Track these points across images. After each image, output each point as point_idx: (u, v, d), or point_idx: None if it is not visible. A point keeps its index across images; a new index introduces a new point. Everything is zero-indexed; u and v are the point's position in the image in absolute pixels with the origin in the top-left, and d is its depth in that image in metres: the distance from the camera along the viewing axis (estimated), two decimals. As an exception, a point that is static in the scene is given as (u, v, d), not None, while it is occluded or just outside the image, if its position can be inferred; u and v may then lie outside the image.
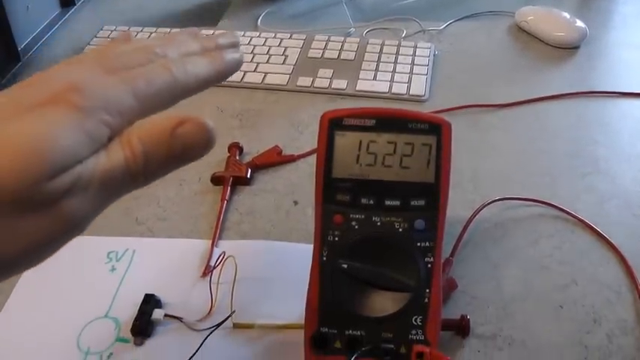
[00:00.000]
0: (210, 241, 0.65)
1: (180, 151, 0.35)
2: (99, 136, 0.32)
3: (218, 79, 0.42)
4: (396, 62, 0.93)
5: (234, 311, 0.57)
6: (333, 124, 0.52)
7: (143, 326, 0.56)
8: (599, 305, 0.58)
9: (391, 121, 0.52)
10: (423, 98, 0.86)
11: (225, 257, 0.60)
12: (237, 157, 0.76)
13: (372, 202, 0.51)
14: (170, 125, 0.35)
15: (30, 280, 0.62)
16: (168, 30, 1.02)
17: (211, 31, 1.01)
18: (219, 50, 0.43)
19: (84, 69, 0.35)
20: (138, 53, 0.38)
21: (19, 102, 0.32)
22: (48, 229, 0.31)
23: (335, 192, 0.51)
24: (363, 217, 0.51)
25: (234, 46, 0.46)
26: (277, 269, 0.62)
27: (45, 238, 0.31)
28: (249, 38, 1.00)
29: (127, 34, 0.44)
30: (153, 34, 1.02)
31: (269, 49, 0.97)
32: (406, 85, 0.88)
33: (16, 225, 0.30)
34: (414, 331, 0.49)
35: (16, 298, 0.60)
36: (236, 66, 0.44)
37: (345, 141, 0.52)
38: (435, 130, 0.51)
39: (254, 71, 0.92)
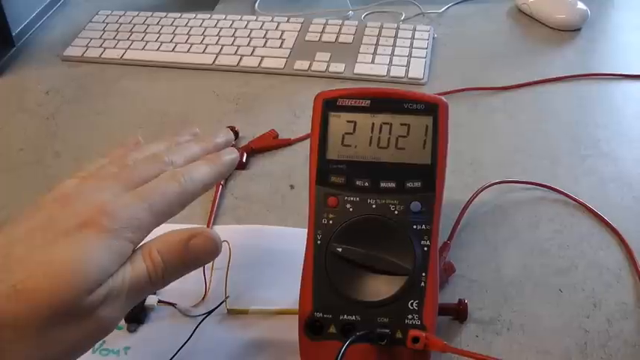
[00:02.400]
0: (205, 226, 0.63)
1: (192, 259, 0.42)
2: (125, 252, 0.39)
3: (219, 180, 0.49)
4: (394, 45, 0.92)
5: (228, 297, 0.56)
6: (328, 105, 0.51)
7: (136, 312, 0.55)
8: (599, 289, 0.57)
9: (386, 102, 0.51)
10: (421, 81, 0.85)
11: (219, 242, 0.59)
12: (233, 142, 0.75)
13: (367, 184, 0.50)
14: (184, 238, 0.42)
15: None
16: (164, 14, 1.01)
17: (208, 15, 1.00)
18: (217, 152, 0.50)
19: (107, 188, 0.42)
20: (149, 164, 0.45)
21: (56, 226, 0.38)
22: (86, 334, 0.38)
23: (329, 174, 0.50)
24: (357, 199, 0.50)
25: (229, 142, 0.54)
26: (272, 254, 0.61)
27: (83, 341, 0.38)
28: (245, 22, 0.98)
29: (136, 139, 0.51)
30: (148, 18, 1.01)
31: (266, 33, 0.96)
32: (405, 68, 0.87)
33: (61, 333, 0.36)
34: (410, 316, 0.48)
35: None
36: (233, 166, 0.51)
37: (339, 122, 0.51)
38: (432, 110, 0.50)
39: (250, 55, 0.91)
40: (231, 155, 0.51)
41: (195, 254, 0.42)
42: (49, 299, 0.35)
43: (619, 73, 0.86)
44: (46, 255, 0.37)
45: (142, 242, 0.42)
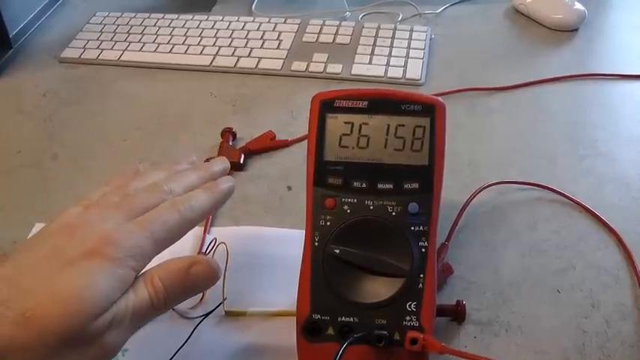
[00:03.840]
0: (203, 228, 0.63)
1: (192, 286, 0.45)
2: (128, 280, 0.41)
3: (216, 207, 0.51)
4: (391, 46, 0.92)
5: (225, 299, 0.56)
6: (325, 106, 0.51)
7: (134, 314, 0.55)
8: (597, 289, 0.57)
9: (384, 103, 0.51)
10: (419, 82, 0.85)
11: (217, 244, 0.59)
12: (231, 143, 0.75)
13: (364, 185, 0.50)
14: (184, 266, 0.44)
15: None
16: (161, 16, 1.01)
17: (205, 17, 1.00)
18: (214, 180, 0.52)
19: (110, 217, 0.43)
20: (150, 193, 0.47)
21: (62, 255, 0.40)
22: (91, 358, 0.39)
23: (327, 175, 0.50)
24: (355, 200, 0.50)
25: (226, 171, 0.56)
26: (270, 256, 0.61)
27: None
28: (243, 23, 0.98)
29: (136, 168, 0.53)
30: (145, 20, 1.00)
31: (263, 34, 0.96)
32: (402, 69, 0.87)
33: (68, 358, 0.38)
34: (408, 318, 0.48)
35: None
36: (230, 194, 0.52)
37: (336, 123, 0.51)
38: (429, 111, 0.50)
39: (248, 56, 0.91)
40: (228, 184, 0.52)
41: (195, 281, 0.45)
42: (57, 326, 0.37)
43: (617, 73, 0.86)
44: (54, 284, 0.38)
45: (144, 269, 0.44)
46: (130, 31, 0.98)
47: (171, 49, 0.93)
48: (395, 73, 0.86)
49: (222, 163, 0.56)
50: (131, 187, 0.48)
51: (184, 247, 0.62)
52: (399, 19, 1.01)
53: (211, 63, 0.90)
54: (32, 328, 0.37)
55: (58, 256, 0.40)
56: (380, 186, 0.50)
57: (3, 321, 0.36)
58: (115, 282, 0.40)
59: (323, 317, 0.48)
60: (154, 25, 0.99)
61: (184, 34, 0.97)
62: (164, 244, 0.44)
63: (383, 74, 0.86)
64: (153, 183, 0.49)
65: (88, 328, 0.38)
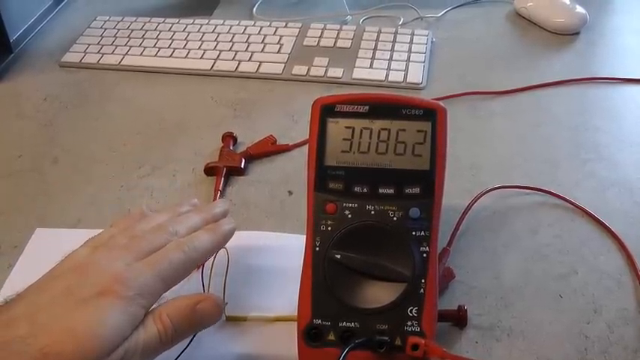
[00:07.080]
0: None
1: (198, 321, 0.48)
2: (138, 317, 0.44)
3: (218, 248, 0.53)
4: (392, 50, 0.91)
5: (226, 303, 0.55)
6: (326, 111, 0.51)
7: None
8: (599, 294, 0.57)
9: (385, 107, 0.51)
10: (420, 86, 0.85)
11: (217, 249, 0.59)
12: (231, 148, 0.74)
13: (365, 190, 0.50)
14: (191, 303, 0.47)
15: (23, 274, 0.60)
16: (162, 20, 1.01)
17: (206, 20, 1.00)
18: (216, 222, 0.54)
19: (119, 257, 0.46)
20: (156, 234, 0.50)
21: (76, 294, 0.42)
22: None
23: (327, 180, 0.50)
24: (356, 205, 0.50)
25: (227, 212, 0.58)
26: (271, 260, 0.61)
27: None
28: (243, 27, 0.98)
29: (140, 210, 0.55)
30: (146, 24, 1.00)
31: (264, 38, 0.95)
32: (403, 73, 0.87)
33: None
34: (409, 323, 0.47)
35: (8, 292, 0.59)
36: (231, 234, 0.55)
37: (337, 128, 0.51)
38: (430, 115, 0.50)
39: (248, 60, 0.91)
40: (229, 225, 0.55)
41: (201, 317, 0.47)
42: None
43: (619, 77, 0.86)
44: (69, 321, 0.41)
45: (153, 306, 0.46)
46: (131, 36, 0.98)
47: (172, 54, 0.93)
48: (396, 77, 0.86)
49: (222, 205, 0.59)
50: (137, 229, 0.51)
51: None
52: (400, 22, 1.01)
53: (212, 67, 0.90)
54: None
55: (71, 295, 0.42)
56: (381, 191, 0.50)
57: (23, 356, 0.38)
58: (126, 319, 0.42)
59: (324, 322, 0.48)
60: (155, 29, 0.99)
61: (185, 39, 0.96)
62: (171, 282, 0.47)
63: (384, 78, 0.86)
64: (158, 225, 0.52)
65: None
